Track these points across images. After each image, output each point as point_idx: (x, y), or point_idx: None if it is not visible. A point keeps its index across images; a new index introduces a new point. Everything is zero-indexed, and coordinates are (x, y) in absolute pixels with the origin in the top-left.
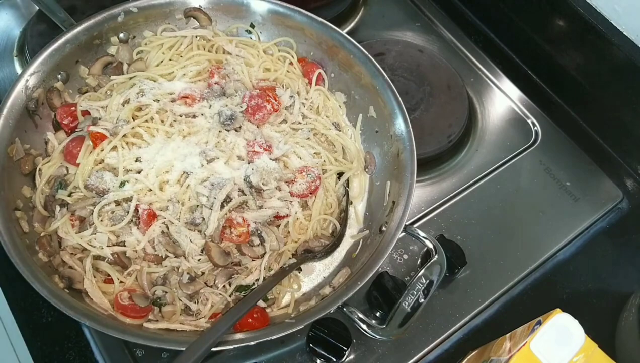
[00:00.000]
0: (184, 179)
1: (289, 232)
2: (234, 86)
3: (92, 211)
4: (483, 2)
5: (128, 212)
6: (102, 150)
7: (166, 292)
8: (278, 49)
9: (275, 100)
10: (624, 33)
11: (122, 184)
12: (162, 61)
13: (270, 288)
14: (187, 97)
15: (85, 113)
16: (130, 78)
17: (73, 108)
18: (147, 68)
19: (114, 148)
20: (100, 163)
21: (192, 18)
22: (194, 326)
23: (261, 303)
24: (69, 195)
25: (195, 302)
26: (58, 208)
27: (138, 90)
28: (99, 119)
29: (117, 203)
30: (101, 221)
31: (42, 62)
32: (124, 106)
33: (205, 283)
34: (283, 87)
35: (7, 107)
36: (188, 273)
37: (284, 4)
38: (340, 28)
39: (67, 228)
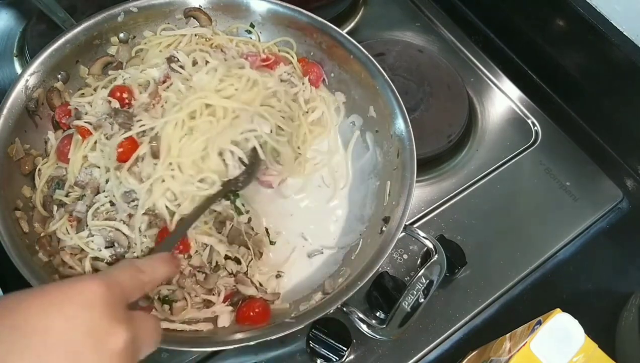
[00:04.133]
0: None
1: None
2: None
3: (87, 212)
4: (483, 2)
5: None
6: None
7: (174, 290)
8: (278, 49)
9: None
10: (624, 33)
11: (108, 181)
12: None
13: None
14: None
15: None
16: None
17: (71, 107)
18: (144, 63)
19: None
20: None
21: (192, 18)
22: (211, 313)
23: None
24: (67, 195)
25: (214, 294)
26: (55, 208)
27: (122, 81)
28: (85, 113)
29: (112, 203)
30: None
31: (42, 62)
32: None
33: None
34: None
35: (7, 107)
36: (199, 271)
37: (284, 4)
38: (340, 28)
39: (65, 229)
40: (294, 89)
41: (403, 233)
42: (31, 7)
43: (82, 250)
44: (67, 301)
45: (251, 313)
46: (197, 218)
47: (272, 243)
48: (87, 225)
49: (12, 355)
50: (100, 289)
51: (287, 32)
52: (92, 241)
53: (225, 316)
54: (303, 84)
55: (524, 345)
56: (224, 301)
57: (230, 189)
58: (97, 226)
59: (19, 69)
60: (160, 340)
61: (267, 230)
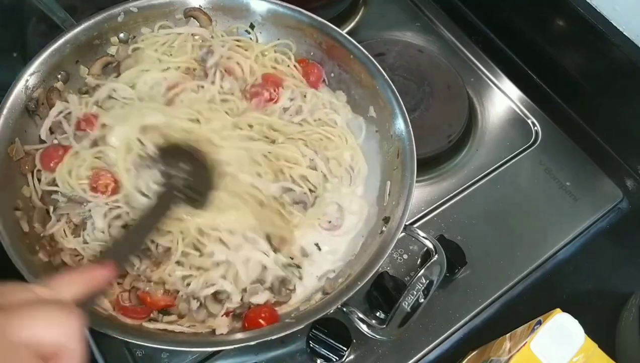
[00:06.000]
0: None
1: None
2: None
3: (83, 218)
4: (483, 2)
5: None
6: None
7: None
8: (274, 50)
9: (275, 92)
10: (624, 33)
11: None
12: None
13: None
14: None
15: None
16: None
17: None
18: (137, 64)
19: None
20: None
21: (192, 18)
22: (207, 327)
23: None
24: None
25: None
26: (52, 208)
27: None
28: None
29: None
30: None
31: (42, 62)
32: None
33: None
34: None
35: (7, 107)
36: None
37: (284, 4)
38: (340, 28)
39: (62, 232)
40: (299, 116)
41: (403, 233)
42: (31, 7)
43: None
44: None
45: (260, 320)
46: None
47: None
48: (84, 229)
49: None
50: None
51: (287, 32)
52: (88, 248)
53: (222, 328)
54: (305, 96)
55: (524, 345)
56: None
57: (171, 197)
58: (92, 239)
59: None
60: (71, 330)
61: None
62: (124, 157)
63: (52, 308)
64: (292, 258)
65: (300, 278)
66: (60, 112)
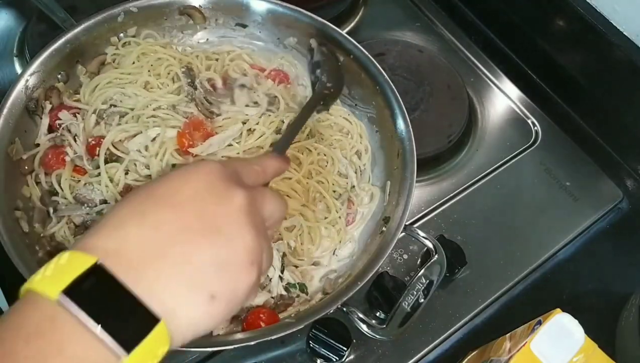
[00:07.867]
0: None
1: None
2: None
3: (85, 219)
4: (483, 3)
5: None
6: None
7: None
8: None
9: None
10: (624, 33)
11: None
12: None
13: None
14: None
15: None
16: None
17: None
18: (120, 67)
19: None
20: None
21: (186, 15)
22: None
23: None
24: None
25: None
26: (52, 209)
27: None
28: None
29: None
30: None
31: (42, 62)
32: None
33: None
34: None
35: (7, 107)
36: None
37: (284, 4)
38: (340, 28)
39: (63, 232)
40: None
41: (403, 233)
42: (31, 7)
43: None
44: (190, 173)
45: (260, 322)
46: (302, 124)
47: None
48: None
49: (149, 210)
50: (216, 165)
51: (287, 32)
52: None
53: (219, 329)
54: None
55: (524, 345)
56: None
57: (322, 95)
58: None
59: (19, 69)
60: (285, 210)
61: None
62: (158, 163)
63: (277, 194)
64: (300, 272)
65: (306, 294)
66: (60, 125)
